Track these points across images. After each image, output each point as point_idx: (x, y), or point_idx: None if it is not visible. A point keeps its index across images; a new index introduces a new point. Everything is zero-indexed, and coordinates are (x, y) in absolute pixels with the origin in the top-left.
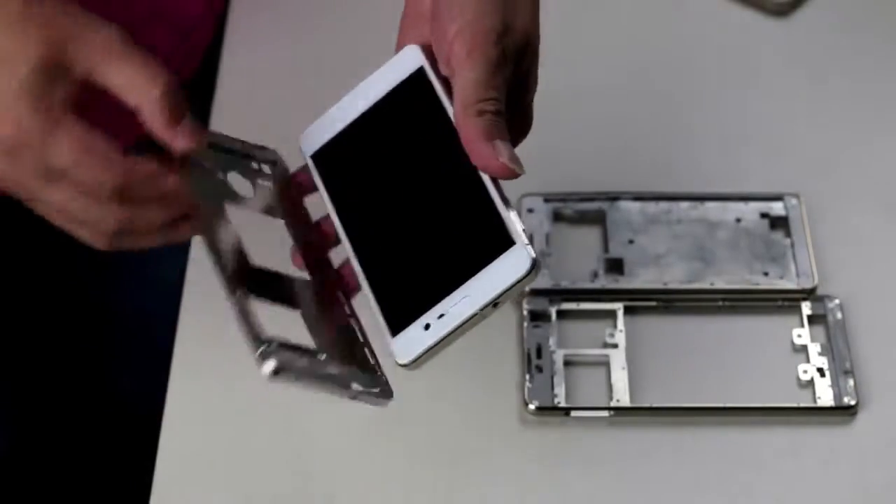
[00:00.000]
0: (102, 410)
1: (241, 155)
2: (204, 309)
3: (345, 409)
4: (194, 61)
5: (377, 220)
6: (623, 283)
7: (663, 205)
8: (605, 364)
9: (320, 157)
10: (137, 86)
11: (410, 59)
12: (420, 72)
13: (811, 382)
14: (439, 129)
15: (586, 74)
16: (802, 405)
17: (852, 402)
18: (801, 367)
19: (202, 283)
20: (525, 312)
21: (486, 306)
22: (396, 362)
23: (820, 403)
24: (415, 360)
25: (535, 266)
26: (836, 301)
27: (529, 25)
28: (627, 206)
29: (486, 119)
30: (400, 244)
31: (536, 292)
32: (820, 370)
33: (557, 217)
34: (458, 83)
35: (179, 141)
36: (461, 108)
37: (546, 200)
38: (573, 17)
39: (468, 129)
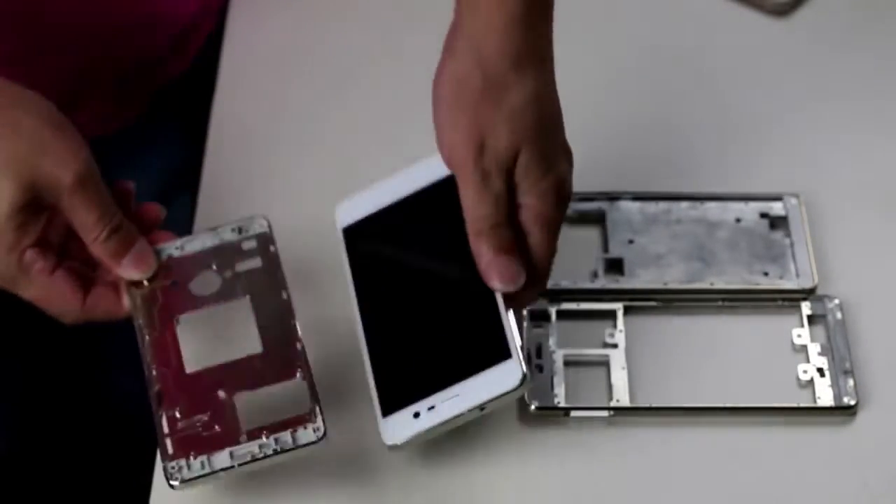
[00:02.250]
0: (103, 410)
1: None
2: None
3: (345, 407)
4: (188, 58)
5: (390, 305)
6: (623, 283)
7: (663, 205)
8: (605, 364)
9: (351, 232)
10: (88, 228)
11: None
12: (453, 179)
13: (811, 382)
14: (462, 236)
15: (586, 74)
16: (802, 405)
17: (852, 402)
18: (801, 367)
19: None
20: (525, 312)
21: (473, 409)
22: (384, 441)
23: (820, 403)
24: (401, 444)
25: (524, 381)
26: (836, 301)
27: (515, 140)
28: (627, 206)
29: (483, 237)
30: (406, 332)
31: (553, 293)
32: (820, 370)
33: None
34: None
35: (125, 272)
36: (467, 225)
37: None
38: (573, 17)
39: (472, 247)
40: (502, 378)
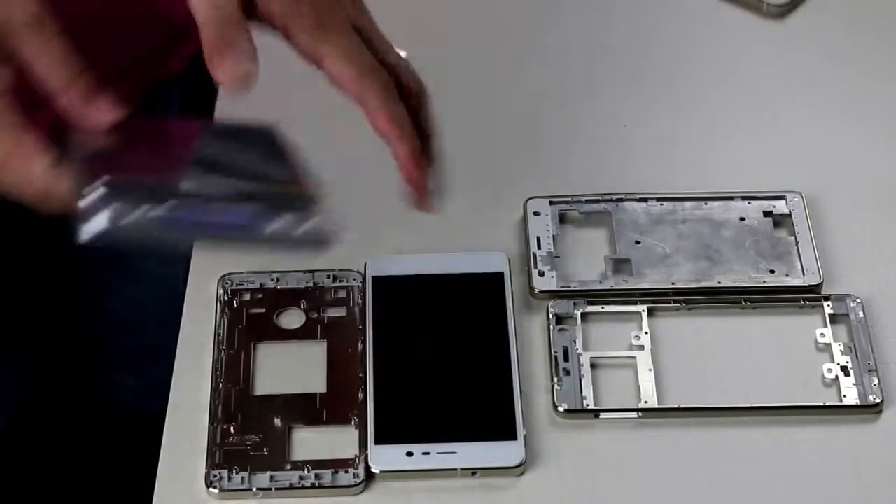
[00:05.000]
0: (103, 410)
1: None
2: (206, 308)
3: None
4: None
5: (405, 351)
6: (645, 284)
7: (667, 205)
8: (632, 366)
9: (380, 281)
10: (53, 68)
11: (497, 262)
12: (500, 276)
13: (836, 381)
14: (494, 325)
15: (587, 77)
16: (829, 404)
17: (878, 400)
18: (826, 365)
19: (203, 284)
20: (551, 316)
21: (465, 469)
22: (369, 465)
23: (845, 402)
24: (386, 473)
25: (522, 464)
26: (858, 300)
27: None
28: (632, 206)
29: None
30: (417, 379)
31: (560, 295)
32: (844, 368)
33: (563, 219)
34: None
35: (99, 115)
36: None
37: (551, 203)
38: (573, 20)
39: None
40: (503, 453)
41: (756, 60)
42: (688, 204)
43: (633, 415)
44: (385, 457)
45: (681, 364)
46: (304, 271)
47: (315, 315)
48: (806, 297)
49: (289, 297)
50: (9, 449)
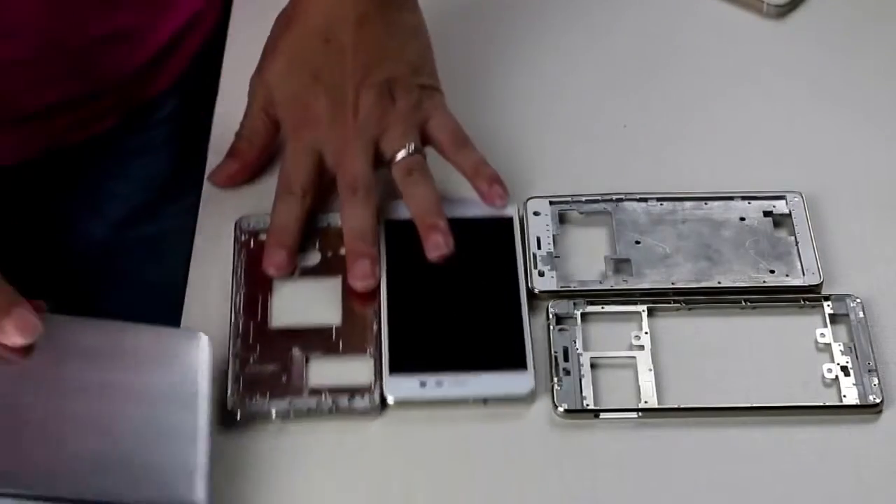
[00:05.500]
0: None
1: None
2: (205, 308)
3: None
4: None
5: (419, 288)
6: (645, 284)
7: (667, 205)
8: (632, 366)
9: (393, 225)
10: None
11: (508, 208)
12: (509, 220)
13: (836, 381)
14: (504, 264)
15: (587, 77)
16: (829, 404)
17: (878, 400)
18: (826, 365)
19: (204, 284)
20: (551, 316)
21: (477, 398)
22: (385, 394)
23: (846, 402)
24: (400, 402)
25: (531, 393)
26: (858, 300)
27: None
28: (632, 206)
29: None
30: (432, 315)
31: (560, 295)
32: (844, 368)
33: (563, 219)
34: None
35: (7, 336)
36: None
37: (551, 203)
38: (574, 21)
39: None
40: (514, 383)
41: (756, 60)
42: (688, 204)
43: (633, 415)
44: (399, 386)
45: (681, 364)
46: (321, 213)
47: (330, 254)
48: (806, 297)
49: (304, 237)
50: None
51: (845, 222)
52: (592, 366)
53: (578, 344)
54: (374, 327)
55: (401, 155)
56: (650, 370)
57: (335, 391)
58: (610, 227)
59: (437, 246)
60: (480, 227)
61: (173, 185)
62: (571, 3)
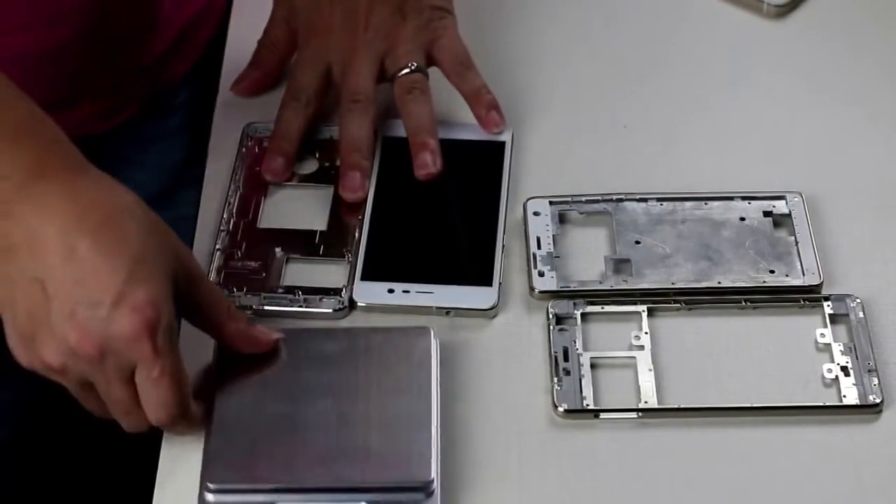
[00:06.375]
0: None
1: None
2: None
3: None
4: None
5: (402, 200)
6: (645, 284)
7: (667, 205)
8: (632, 366)
9: (389, 140)
10: (222, 304)
11: (504, 133)
12: (502, 144)
13: (836, 381)
14: (489, 186)
15: (588, 77)
16: (829, 404)
17: (878, 400)
18: (826, 366)
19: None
20: (551, 316)
21: (440, 309)
22: (353, 297)
23: (846, 402)
24: (368, 305)
25: (494, 307)
26: (858, 300)
27: None
28: (632, 206)
29: None
30: (411, 228)
31: (560, 295)
32: (844, 368)
33: (563, 219)
34: None
35: (262, 335)
36: None
37: (551, 203)
38: (574, 21)
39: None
40: (477, 297)
41: (756, 60)
42: (688, 204)
43: (633, 415)
44: (368, 291)
45: (681, 364)
46: (323, 126)
47: (328, 164)
48: (806, 297)
49: (305, 147)
50: (10, 448)
51: (845, 222)
52: (592, 366)
53: (578, 344)
54: (357, 235)
55: (404, 72)
56: (650, 370)
57: (308, 290)
58: (610, 227)
59: (425, 164)
60: (473, 149)
61: (189, 171)
62: (571, 4)
